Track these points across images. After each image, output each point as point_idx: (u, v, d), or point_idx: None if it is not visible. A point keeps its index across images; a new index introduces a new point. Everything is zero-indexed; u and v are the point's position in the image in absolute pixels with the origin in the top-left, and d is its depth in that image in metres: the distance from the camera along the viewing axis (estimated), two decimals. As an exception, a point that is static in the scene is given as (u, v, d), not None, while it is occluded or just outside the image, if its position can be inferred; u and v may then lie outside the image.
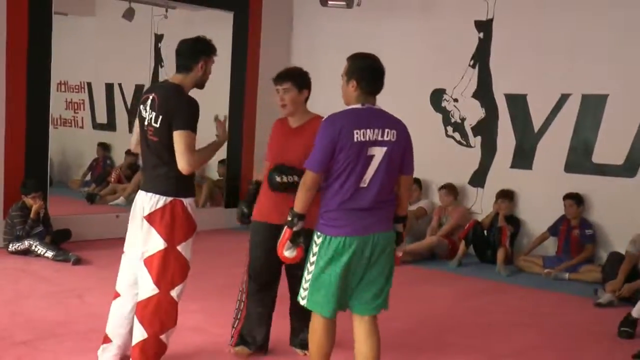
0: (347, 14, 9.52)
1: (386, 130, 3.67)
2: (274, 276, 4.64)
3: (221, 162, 10.56)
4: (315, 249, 3.74)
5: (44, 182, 8.12)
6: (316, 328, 3.82)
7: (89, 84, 13.00)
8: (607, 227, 8.00)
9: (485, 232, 8.46)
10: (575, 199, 7.97)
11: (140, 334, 4.06)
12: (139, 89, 11.95)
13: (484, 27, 8.97)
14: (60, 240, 7.81)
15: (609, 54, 7.96)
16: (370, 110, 3.72)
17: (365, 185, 3.65)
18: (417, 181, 9.20)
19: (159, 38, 11.63)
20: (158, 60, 11.52)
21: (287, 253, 3.77)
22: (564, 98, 8.32)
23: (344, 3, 8.91)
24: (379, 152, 3.65)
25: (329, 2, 8.94)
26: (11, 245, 7.55)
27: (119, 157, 11.49)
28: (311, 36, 10.60)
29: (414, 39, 9.50)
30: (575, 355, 5.18)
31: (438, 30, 9.32)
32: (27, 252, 7.48)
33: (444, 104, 9.34)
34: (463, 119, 9.19)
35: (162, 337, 4.12)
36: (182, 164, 3.96)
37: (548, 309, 6.58)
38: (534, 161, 8.58)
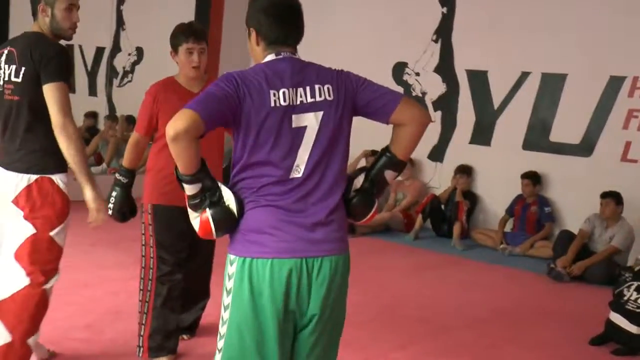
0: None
1: (317, 87, 2.41)
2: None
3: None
4: (228, 283, 2.39)
5: None
6: None
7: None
8: (563, 205, 8.14)
9: (442, 206, 8.56)
10: (532, 179, 8.08)
11: (2, 338, 3.34)
12: (99, 51, 11.81)
13: (448, 2, 8.99)
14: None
15: (570, 33, 8.04)
16: (289, 62, 2.45)
17: (300, 175, 2.38)
18: (374, 153, 9.22)
19: (121, 1, 11.47)
20: (120, 22, 11.37)
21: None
22: (524, 76, 8.41)
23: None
24: (312, 121, 2.38)
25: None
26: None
27: (77, 120, 11.36)
28: None
29: (378, 12, 9.49)
30: (523, 329, 5.29)
31: (402, 3, 9.32)
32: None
33: (405, 77, 9.37)
34: (424, 93, 9.24)
35: (29, 340, 3.40)
36: (59, 120, 3.23)
37: (500, 284, 6.70)
38: (492, 138, 8.68)
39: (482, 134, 8.77)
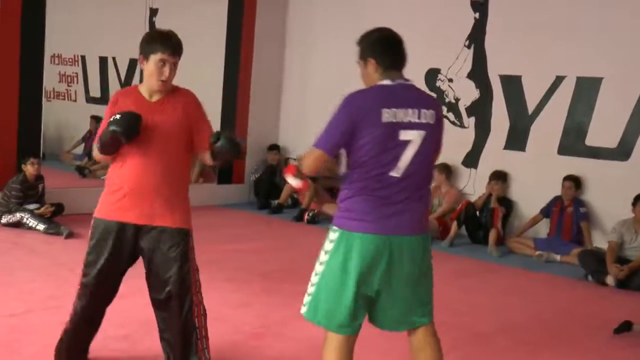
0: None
1: (422, 111, 3.10)
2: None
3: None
4: (328, 246, 3.15)
5: (38, 156, 8.09)
6: (328, 349, 3.17)
7: (83, 57, 12.96)
8: (600, 209, 8.04)
9: (477, 213, 8.49)
10: (574, 181, 8.00)
11: None
12: (132, 62, 11.92)
13: (480, 7, 8.94)
14: (53, 214, 7.80)
15: (605, 36, 7.94)
16: (402, 87, 3.16)
17: (399, 176, 3.07)
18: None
19: (154, 12, 11.59)
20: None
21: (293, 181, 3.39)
22: (558, 80, 8.32)
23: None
24: (415, 137, 3.07)
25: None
26: (3, 217, 7.55)
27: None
28: (307, 15, 10.55)
29: (410, 18, 9.45)
30: (561, 334, 5.22)
31: (434, 10, 9.29)
32: (18, 224, 7.48)
33: (438, 83, 9.32)
34: (457, 99, 9.19)
35: None
36: None
37: (538, 290, 6.62)
38: (527, 143, 8.59)
39: (516, 140, 8.68)
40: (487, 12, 8.90)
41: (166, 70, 3.49)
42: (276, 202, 9.86)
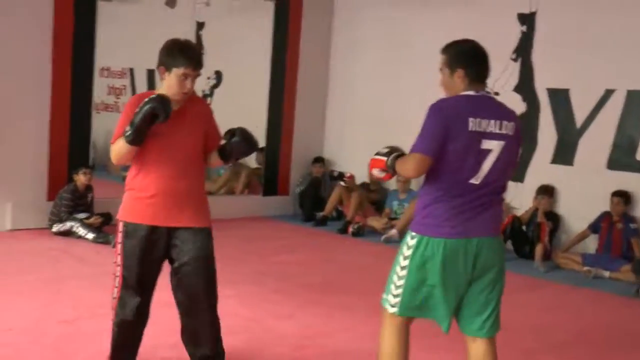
0: (389, 3, 9.50)
1: (504, 123, 3.24)
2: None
3: (260, 150, 10.61)
4: (407, 251, 3.31)
5: (88, 166, 8.23)
6: (391, 337, 3.42)
7: (131, 70, 13.15)
8: (650, 225, 7.90)
9: (523, 227, 8.40)
10: (623, 197, 7.87)
11: None
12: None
13: (527, 20, 8.87)
14: (102, 223, 7.93)
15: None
16: (486, 99, 3.32)
17: (478, 183, 3.21)
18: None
19: (200, 26, 11.71)
20: (199, 47, 11.61)
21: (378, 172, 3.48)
22: (608, 94, 8.21)
23: (386, -6, 8.88)
24: (496, 147, 3.21)
25: (373, -9, 8.92)
26: (55, 226, 7.71)
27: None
28: (352, 27, 10.57)
29: (456, 31, 9.36)
30: (610, 353, 5.13)
31: (480, 23, 9.21)
32: (69, 233, 7.63)
33: (484, 97, 9.25)
34: (504, 113, 9.10)
35: None
36: None
37: (586, 307, 6.52)
38: (575, 157, 8.48)
39: (564, 154, 8.58)
40: (534, 24, 8.83)
41: (188, 83, 3.57)
42: (321, 214, 9.88)
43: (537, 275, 7.66)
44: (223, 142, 3.71)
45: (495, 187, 3.28)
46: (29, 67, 7.84)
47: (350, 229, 9.20)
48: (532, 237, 8.26)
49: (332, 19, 10.87)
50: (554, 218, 8.40)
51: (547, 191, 8.46)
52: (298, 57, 10.48)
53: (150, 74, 12.81)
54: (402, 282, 3.32)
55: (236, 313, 5.33)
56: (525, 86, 8.91)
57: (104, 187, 9.47)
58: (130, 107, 3.55)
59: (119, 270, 3.68)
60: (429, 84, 9.86)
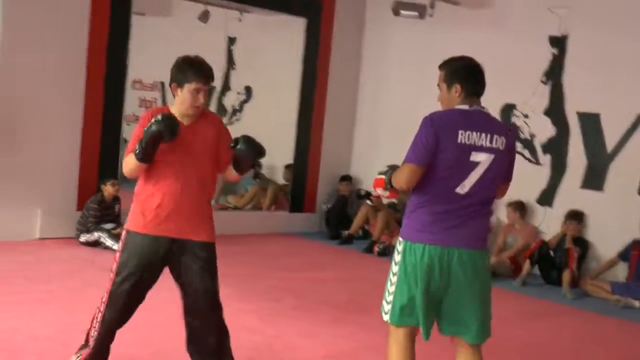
0: (418, 25, 9.50)
1: (495, 137, 3.37)
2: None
3: (287, 167, 10.62)
4: (397, 257, 3.45)
5: (117, 177, 8.29)
6: (392, 349, 3.49)
7: (162, 83, 13.24)
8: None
9: (551, 252, 8.31)
10: (654, 225, 7.77)
11: None
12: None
13: (559, 43, 8.82)
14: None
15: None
16: (479, 113, 3.45)
17: (464, 193, 3.34)
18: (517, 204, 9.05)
19: (232, 41, 11.78)
20: (230, 62, 11.67)
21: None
22: (639, 119, 8.13)
23: (416, 13, 8.89)
24: (485, 159, 3.34)
25: (402, 12, 8.93)
26: (82, 236, 7.77)
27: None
28: (382, 45, 10.58)
29: (486, 53, 9.34)
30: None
31: (511, 45, 9.20)
32: (96, 243, 7.68)
33: (513, 119, 9.21)
34: (532, 136, 9.05)
35: None
36: None
37: (615, 336, 6.42)
38: (605, 182, 8.38)
39: (594, 179, 8.48)
40: (565, 47, 8.77)
41: (200, 97, 3.68)
42: (347, 232, 9.85)
43: (564, 301, 7.56)
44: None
45: (481, 198, 3.39)
46: (64, 77, 7.93)
47: (376, 249, 9.17)
48: (559, 263, 8.16)
49: (362, 37, 10.88)
50: (582, 244, 8.29)
51: (576, 216, 8.37)
52: (328, 74, 10.50)
53: (181, 87, 12.92)
54: (393, 288, 3.44)
55: (257, 329, 5.32)
56: (555, 109, 8.85)
57: (131, 199, 9.55)
58: (143, 122, 3.66)
59: (112, 277, 3.78)
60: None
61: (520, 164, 9.14)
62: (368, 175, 10.66)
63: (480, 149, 3.33)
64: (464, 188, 3.33)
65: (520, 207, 8.76)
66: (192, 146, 3.69)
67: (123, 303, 3.78)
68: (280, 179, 10.84)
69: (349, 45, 10.71)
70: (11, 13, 7.54)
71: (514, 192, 8.73)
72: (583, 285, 8.02)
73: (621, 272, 8.05)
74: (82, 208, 7.95)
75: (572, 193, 8.63)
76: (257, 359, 4.61)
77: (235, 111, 11.63)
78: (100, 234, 7.68)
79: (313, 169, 10.51)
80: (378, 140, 10.66)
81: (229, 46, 11.82)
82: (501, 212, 9.10)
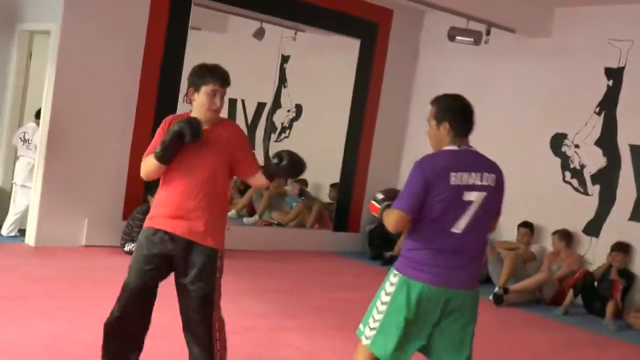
0: (473, 52, 9.48)
1: (485, 175, 3.45)
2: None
3: (333, 185, 10.66)
4: (389, 288, 3.48)
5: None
6: None
7: (214, 98, 13.42)
8: None
9: (595, 283, 8.20)
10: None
11: None
12: (260, 106, 12.25)
13: (615, 74, 8.74)
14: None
15: None
16: (467, 153, 3.52)
17: (459, 232, 3.40)
18: (529, 225, 9.03)
19: (285, 59, 11.90)
20: (282, 79, 11.78)
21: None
22: (692, 153, 8.02)
23: (471, 39, 8.87)
24: (477, 198, 3.42)
25: (457, 38, 8.93)
26: (127, 245, 7.89)
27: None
28: (435, 70, 10.59)
29: (540, 81, 9.36)
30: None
31: (565, 74, 9.15)
32: (140, 253, 7.78)
33: (564, 148, 9.13)
34: (583, 166, 8.96)
35: None
36: None
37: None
38: (654, 216, 8.27)
39: (643, 212, 8.37)
40: (621, 79, 8.68)
41: (217, 100, 3.74)
42: (389, 254, 9.84)
43: (606, 333, 7.44)
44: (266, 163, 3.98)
45: (476, 236, 3.47)
46: (117, 88, 8.12)
47: (418, 272, 9.12)
48: (603, 294, 8.04)
49: (416, 60, 10.91)
50: (628, 276, 8.16)
51: (622, 248, 8.26)
52: (379, 96, 10.54)
53: (232, 103, 13.06)
54: (380, 317, 3.48)
55: (297, 346, 5.36)
56: (607, 141, 8.76)
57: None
58: (164, 126, 3.82)
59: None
60: (510, 132, 9.84)
61: (569, 194, 9.12)
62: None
63: (472, 187, 3.41)
64: (459, 227, 3.40)
65: (566, 236, 8.67)
66: (204, 152, 3.74)
67: (133, 295, 4.07)
68: (325, 197, 10.89)
69: (402, 69, 10.74)
70: (71, 20, 7.76)
71: (560, 221, 8.77)
72: (626, 318, 7.89)
73: (667, 307, 7.92)
74: (128, 217, 8.10)
75: (619, 225, 8.52)
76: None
77: (284, 128, 11.73)
78: (145, 243, 7.80)
79: (359, 189, 10.53)
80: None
81: (282, 64, 11.94)
82: (547, 241, 9.02)
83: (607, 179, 8.72)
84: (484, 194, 3.43)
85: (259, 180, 3.91)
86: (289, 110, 11.73)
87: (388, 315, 3.45)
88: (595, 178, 8.85)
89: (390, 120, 10.69)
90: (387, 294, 3.48)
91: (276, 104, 11.80)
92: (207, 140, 3.73)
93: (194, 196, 3.74)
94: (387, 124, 10.66)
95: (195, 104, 3.78)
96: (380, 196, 3.66)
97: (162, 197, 3.85)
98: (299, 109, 11.65)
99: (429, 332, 3.46)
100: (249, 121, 12.69)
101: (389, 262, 9.65)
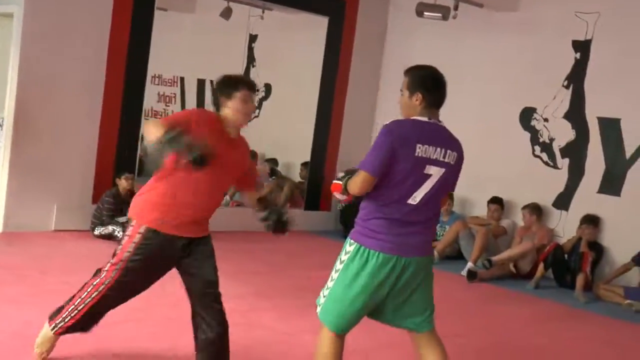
0: (441, 27, 9.47)
1: (448, 152, 3.48)
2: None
3: (304, 164, 10.64)
4: (344, 256, 3.54)
5: (133, 171, 8.33)
6: (325, 343, 3.63)
7: (182, 79, 13.31)
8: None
9: (566, 256, 8.29)
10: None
11: None
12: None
13: (582, 47, 8.79)
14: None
15: None
16: (436, 127, 3.52)
17: (415, 203, 3.44)
18: (499, 200, 9.10)
19: (253, 38, 11.81)
20: (251, 59, 11.71)
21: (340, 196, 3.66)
22: (659, 125, 8.10)
23: (439, 15, 8.86)
24: (436, 173, 3.45)
25: (425, 14, 8.91)
26: (97, 229, 7.83)
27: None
28: (404, 47, 10.57)
29: (509, 56, 9.39)
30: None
31: (533, 48, 9.18)
32: (110, 237, 7.72)
33: (533, 122, 9.19)
34: (552, 140, 9.02)
35: None
36: None
37: (626, 341, 6.40)
38: (623, 188, 8.35)
39: (611, 184, 8.45)
40: (589, 52, 8.74)
41: (250, 104, 3.82)
42: (361, 231, 9.84)
43: (576, 305, 7.54)
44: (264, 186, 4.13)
45: (429, 208, 3.50)
46: (84, 71, 7.99)
47: (390, 248, 9.15)
48: (573, 267, 8.14)
49: (384, 37, 10.88)
50: (597, 248, 8.27)
51: (591, 221, 8.35)
52: (348, 74, 10.51)
53: (200, 83, 12.96)
54: (331, 283, 3.57)
55: (272, 326, 5.35)
56: (575, 114, 8.82)
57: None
58: (187, 117, 3.73)
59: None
60: (476, 109, 9.87)
61: (538, 168, 9.18)
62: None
63: (434, 162, 3.43)
64: (415, 199, 3.43)
65: (536, 210, 8.75)
66: (231, 160, 3.82)
67: (125, 291, 4.02)
68: (296, 176, 10.87)
69: (370, 45, 10.71)
70: (35, 3, 7.61)
71: (530, 195, 8.83)
72: (596, 290, 8.00)
73: (635, 277, 8.02)
74: (98, 201, 8.02)
75: (588, 198, 8.61)
76: (269, 356, 4.64)
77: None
78: (115, 227, 7.73)
79: (330, 168, 10.52)
80: (396, 141, 10.66)
81: (250, 44, 11.86)
82: (517, 215, 9.09)
83: (576, 152, 8.79)
84: (443, 170, 3.46)
85: (250, 196, 4.11)
86: (258, 90, 11.67)
87: (338, 283, 3.51)
88: (564, 151, 8.92)
89: (360, 98, 10.67)
90: (341, 262, 3.54)
91: (245, 83, 11.74)
92: (236, 147, 3.87)
93: (215, 202, 3.89)
94: (356, 101, 10.64)
95: (230, 111, 3.82)
96: (340, 174, 3.70)
97: (188, 198, 3.75)
98: (268, 88, 11.59)
99: (382, 299, 3.52)
100: (218, 101, 12.60)
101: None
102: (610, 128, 8.50)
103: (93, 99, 8.07)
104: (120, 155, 8.32)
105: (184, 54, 12.88)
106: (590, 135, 8.69)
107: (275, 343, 4.95)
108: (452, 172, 3.54)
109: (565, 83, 8.90)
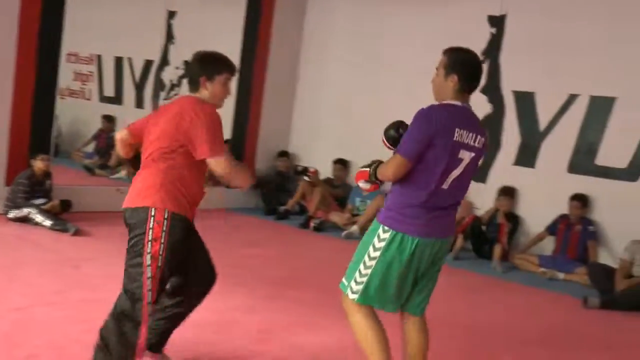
0: (361, 2, 9.51)
1: (478, 137, 3.46)
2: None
3: (225, 142, 10.55)
4: (378, 243, 3.49)
5: (48, 152, 8.11)
6: (367, 325, 3.57)
7: (99, 57, 13.02)
8: (608, 229, 8.01)
9: (483, 227, 8.48)
10: (581, 200, 7.99)
11: None
12: (148, 64, 11.98)
13: (497, 22, 8.95)
14: (60, 211, 7.83)
15: (620, 57, 7.95)
16: (467, 111, 3.49)
17: (447, 187, 3.43)
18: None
19: (171, 15, 11.63)
20: (169, 36, 11.53)
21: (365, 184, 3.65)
22: (572, 98, 8.32)
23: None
24: (467, 157, 3.44)
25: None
26: (11, 212, 7.59)
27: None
28: (323, 21, 10.57)
29: (426, 31, 9.48)
30: (567, 354, 5.20)
31: (450, 23, 9.29)
32: (25, 219, 7.50)
33: (451, 97, 9.31)
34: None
35: None
36: None
37: (542, 307, 6.61)
38: (537, 160, 8.59)
39: (526, 156, 8.68)
40: (503, 27, 8.91)
41: (229, 89, 3.78)
42: (283, 208, 9.88)
43: (494, 275, 7.74)
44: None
45: (458, 191, 3.51)
46: (-7, 49, 7.71)
47: (312, 224, 9.22)
48: (491, 238, 8.34)
49: (304, 13, 10.86)
50: (513, 219, 8.49)
51: (508, 192, 8.56)
52: (268, 51, 10.46)
53: (118, 61, 12.70)
54: (368, 271, 3.49)
55: (203, 306, 5.31)
56: (491, 88, 8.99)
57: (66, 174, 9.40)
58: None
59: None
60: (398, 82, 9.92)
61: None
62: (306, 151, 10.70)
63: (467, 147, 3.41)
64: (447, 183, 3.42)
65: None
66: None
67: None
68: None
69: (290, 21, 10.67)
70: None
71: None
72: (512, 259, 8.23)
73: (549, 246, 8.28)
74: (11, 183, 7.77)
75: (505, 170, 8.82)
76: (197, 333, 4.61)
77: (173, 86, 11.52)
78: (30, 209, 7.51)
79: (251, 145, 10.48)
80: (317, 117, 10.69)
81: (169, 20, 11.67)
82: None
83: (492, 125, 8.96)
84: (473, 154, 3.45)
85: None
86: (177, 67, 11.50)
87: (377, 269, 3.47)
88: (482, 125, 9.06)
89: (280, 76, 10.64)
90: (376, 249, 3.48)
91: (164, 61, 11.55)
92: None
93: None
94: (277, 79, 10.61)
95: (209, 93, 3.72)
96: (368, 162, 3.64)
97: (194, 182, 3.85)
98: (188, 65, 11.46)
99: (414, 280, 3.57)
100: (137, 80, 12.40)
101: (283, 216, 9.70)
102: (525, 101, 8.71)
103: (3, 76, 7.76)
104: (35, 136, 8.06)
105: (100, 31, 12.59)
106: (506, 109, 8.88)
107: (202, 322, 4.92)
108: (478, 157, 3.53)
109: (482, 58, 9.04)
